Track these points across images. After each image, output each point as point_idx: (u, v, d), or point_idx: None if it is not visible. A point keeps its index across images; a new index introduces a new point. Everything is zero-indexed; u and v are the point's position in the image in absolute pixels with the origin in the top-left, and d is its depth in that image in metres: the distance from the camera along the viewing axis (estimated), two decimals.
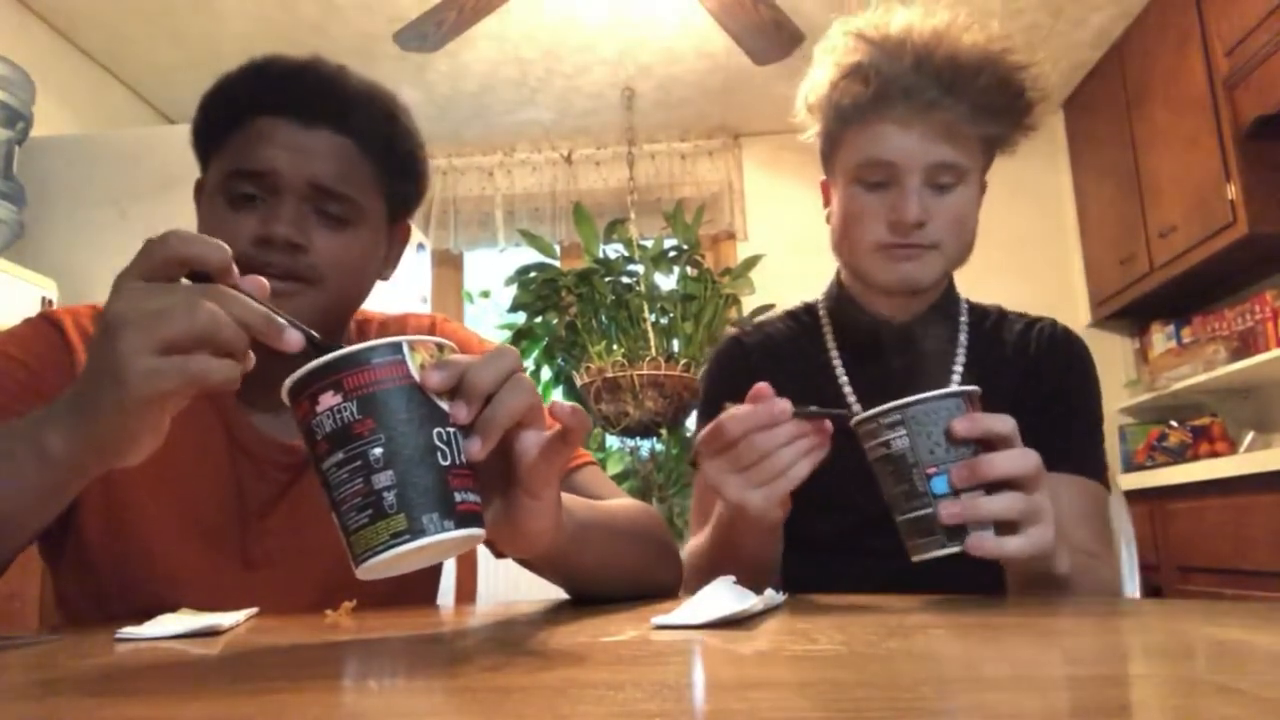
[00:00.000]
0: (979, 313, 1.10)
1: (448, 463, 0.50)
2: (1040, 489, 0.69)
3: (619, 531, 0.78)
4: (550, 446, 0.55)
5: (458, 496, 0.50)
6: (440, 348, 0.53)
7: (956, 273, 1.06)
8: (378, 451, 0.48)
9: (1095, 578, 0.88)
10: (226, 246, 0.53)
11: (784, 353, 1.09)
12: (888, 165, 0.95)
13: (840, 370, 1.05)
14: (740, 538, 0.86)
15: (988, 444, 0.69)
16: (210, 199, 0.82)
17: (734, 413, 0.72)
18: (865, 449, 0.72)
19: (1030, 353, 1.04)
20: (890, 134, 0.94)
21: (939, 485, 0.68)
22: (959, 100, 0.92)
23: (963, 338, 1.05)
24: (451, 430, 0.51)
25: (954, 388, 0.70)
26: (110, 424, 0.53)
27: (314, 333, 0.53)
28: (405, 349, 0.50)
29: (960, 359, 1.04)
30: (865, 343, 1.04)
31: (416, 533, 0.48)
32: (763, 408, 0.71)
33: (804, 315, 1.14)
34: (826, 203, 1.07)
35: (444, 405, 0.51)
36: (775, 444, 0.71)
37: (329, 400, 0.49)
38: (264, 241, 0.78)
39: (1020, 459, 0.68)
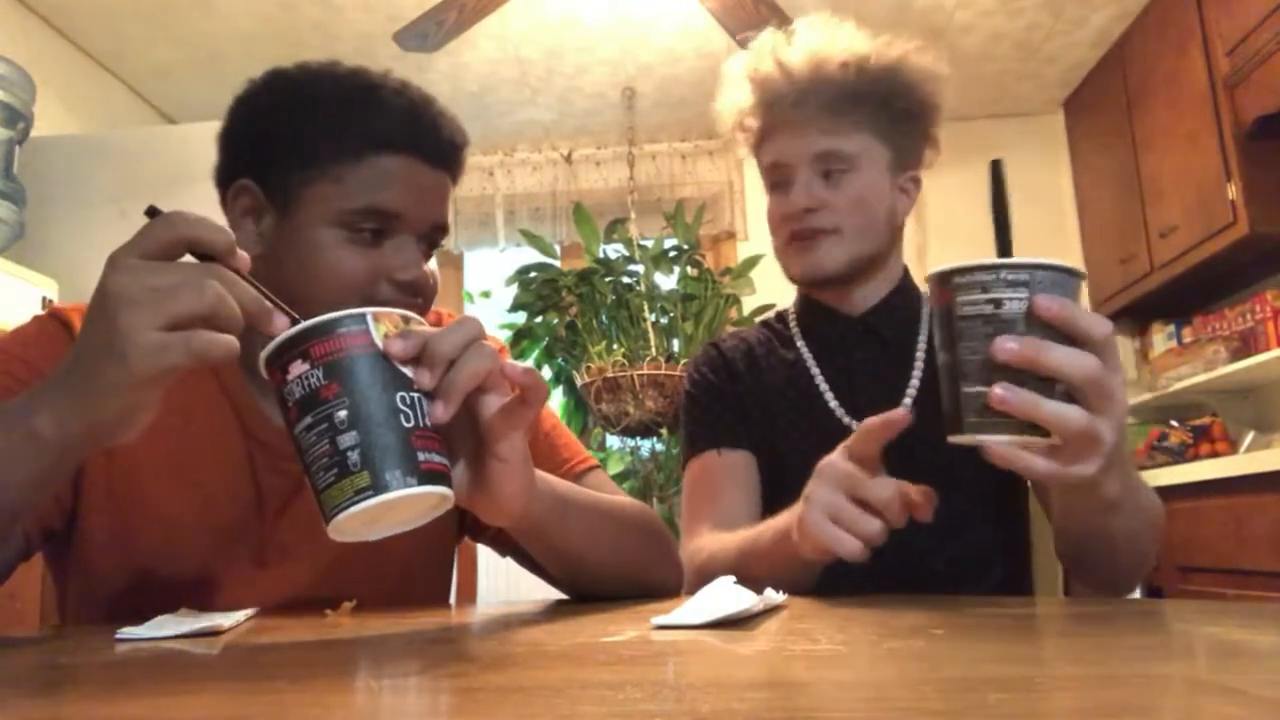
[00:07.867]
0: None
1: (411, 425, 0.53)
2: (1106, 413, 0.61)
3: (608, 518, 0.79)
4: (510, 407, 0.58)
5: (421, 456, 0.52)
6: (406, 320, 0.56)
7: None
8: (342, 414, 0.51)
9: (1145, 499, 0.79)
10: (229, 229, 0.54)
11: (760, 355, 1.14)
12: (781, 167, 1.05)
13: (813, 366, 1.09)
14: (794, 562, 0.79)
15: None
16: (320, 230, 0.77)
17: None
18: (959, 300, 0.61)
19: None
20: (776, 139, 1.05)
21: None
22: (822, 89, 1.00)
23: (925, 324, 1.08)
24: (416, 395, 0.54)
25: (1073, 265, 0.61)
26: (107, 403, 0.53)
27: (297, 316, 0.55)
28: (369, 319, 0.54)
29: (922, 344, 1.07)
30: (831, 338, 1.10)
31: (380, 489, 0.50)
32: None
33: (776, 322, 1.19)
34: None
35: (409, 372, 0.54)
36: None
37: (298, 368, 0.52)
38: (404, 284, 0.78)
39: (1079, 361, 0.59)
